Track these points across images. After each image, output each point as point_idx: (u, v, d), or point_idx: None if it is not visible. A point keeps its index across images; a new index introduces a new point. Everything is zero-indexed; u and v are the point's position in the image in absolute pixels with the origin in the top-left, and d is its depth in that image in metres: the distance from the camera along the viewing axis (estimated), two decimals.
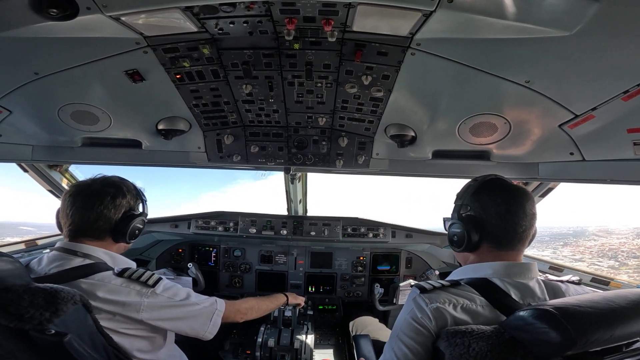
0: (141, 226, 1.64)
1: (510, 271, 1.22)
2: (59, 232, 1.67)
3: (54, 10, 1.07)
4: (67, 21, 1.12)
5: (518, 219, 1.25)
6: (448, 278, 1.31)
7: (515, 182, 2.49)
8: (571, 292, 1.29)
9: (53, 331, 1.06)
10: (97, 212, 1.49)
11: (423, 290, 1.18)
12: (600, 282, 2.31)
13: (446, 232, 1.44)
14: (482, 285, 1.19)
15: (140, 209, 1.67)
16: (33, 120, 1.98)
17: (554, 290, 1.25)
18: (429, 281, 1.24)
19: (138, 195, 1.67)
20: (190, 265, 2.87)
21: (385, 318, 3.30)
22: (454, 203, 1.42)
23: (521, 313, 0.98)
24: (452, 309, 1.11)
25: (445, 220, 1.59)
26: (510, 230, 1.25)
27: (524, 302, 1.15)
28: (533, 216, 1.28)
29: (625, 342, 0.96)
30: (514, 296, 1.16)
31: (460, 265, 1.42)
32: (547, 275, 1.60)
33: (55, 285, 1.17)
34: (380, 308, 2.97)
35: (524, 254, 1.34)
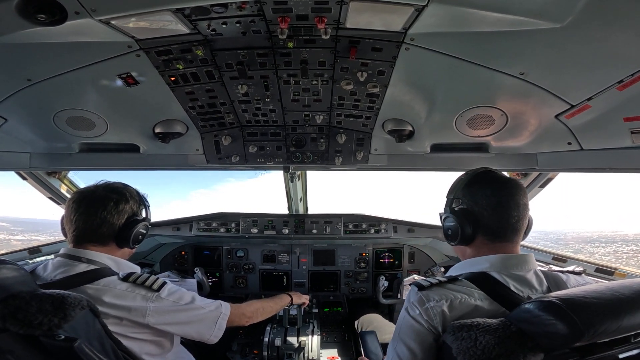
0: (144, 231, 1.64)
1: (506, 263, 1.23)
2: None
3: (42, 16, 1.05)
4: (57, 26, 1.10)
5: (510, 210, 1.26)
6: (447, 274, 1.32)
7: (514, 174, 2.53)
8: (572, 283, 1.29)
9: (63, 336, 1.06)
10: (101, 217, 1.49)
11: (421, 287, 1.20)
12: (604, 272, 2.30)
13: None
14: (481, 279, 1.20)
15: (143, 215, 1.67)
16: (29, 127, 1.97)
17: (555, 281, 1.25)
18: (428, 278, 1.25)
19: (141, 201, 1.66)
20: (196, 269, 2.88)
21: (390, 314, 3.31)
22: (446, 197, 1.43)
23: (527, 305, 0.98)
24: (450, 304, 1.13)
25: (440, 215, 1.60)
26: (503, 222, 1.27)
27: (523, 294, 1.16)
28: (525, 206, 1.29)
29: (634, 332, 0.96)
30: (512, 288, 1.17)
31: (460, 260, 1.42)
32: (550, 266, 1.60)
33: (62, 291, 1.17)
34: (383, 301, 2.98)
35: (523, 244, 1.34)
